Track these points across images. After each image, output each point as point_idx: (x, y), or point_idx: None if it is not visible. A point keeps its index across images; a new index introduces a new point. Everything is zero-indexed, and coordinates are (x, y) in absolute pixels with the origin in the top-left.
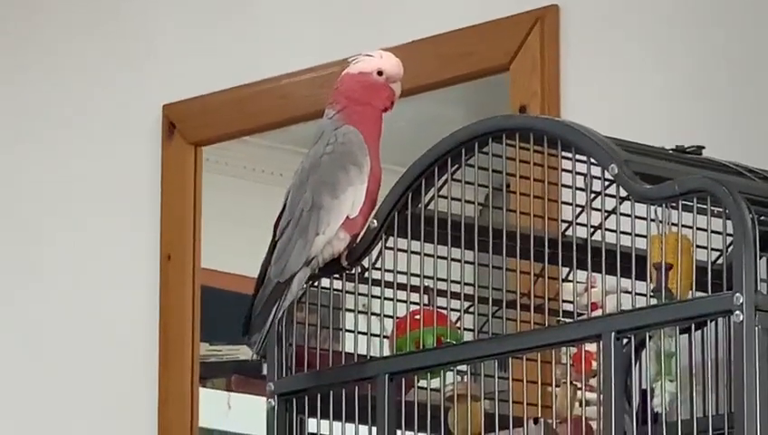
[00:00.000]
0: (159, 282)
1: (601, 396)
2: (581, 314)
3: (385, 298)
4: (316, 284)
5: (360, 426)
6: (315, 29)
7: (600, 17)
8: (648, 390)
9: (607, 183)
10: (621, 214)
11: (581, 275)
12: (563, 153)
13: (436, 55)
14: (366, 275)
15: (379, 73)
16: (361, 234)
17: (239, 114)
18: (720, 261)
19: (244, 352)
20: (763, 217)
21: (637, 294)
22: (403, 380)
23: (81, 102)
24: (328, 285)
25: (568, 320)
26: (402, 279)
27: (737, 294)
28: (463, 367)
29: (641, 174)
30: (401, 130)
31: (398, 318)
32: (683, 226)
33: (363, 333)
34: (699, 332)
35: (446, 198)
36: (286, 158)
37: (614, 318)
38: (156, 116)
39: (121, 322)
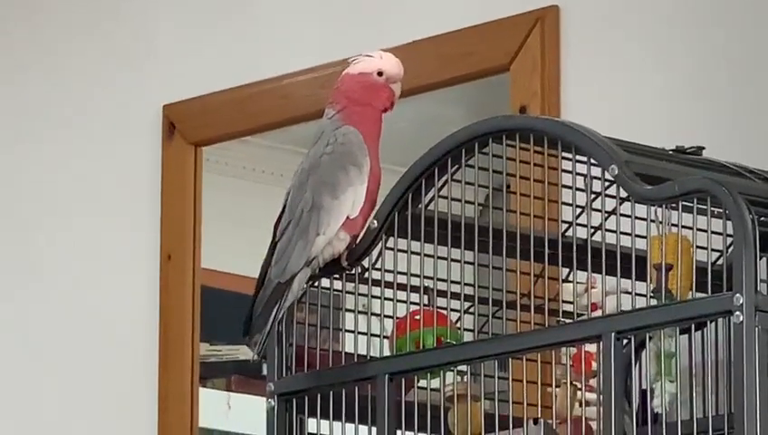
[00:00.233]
0: (159, 282)
1: (601, 396)
2: (581, 315)
3: (385, 298)
4: (316, 284)
5: (360, 426)
6: (315, 29)
7: (600, 17)
8: (648, 390)
9: (607, 184)
10: (621, 214)
11: (581, 275)
12: (563, 154)
13: (437, 55)
14: (366, 275)
15: (380, 74)
16: (361, 234)
17: (239, 114)
18: (720, 262)
19: (244, 352)
20: (763, 218)
21: (637, 294)
22: (403, 380)
23: (81, 102)
24: (328, 286)
25: (568, 320)
26: (402, 279)
27: (737, 295)
28: (463, 367)
29: (641, 175)
30: (401, 130)
31: (398, 318)
32: (683, 226)
33: (363, 334)
34: (699, 332)
35: (446, 198)
36: (286, 158)
37: (614, 319)
38: (156, 116)
39: (121, 322)
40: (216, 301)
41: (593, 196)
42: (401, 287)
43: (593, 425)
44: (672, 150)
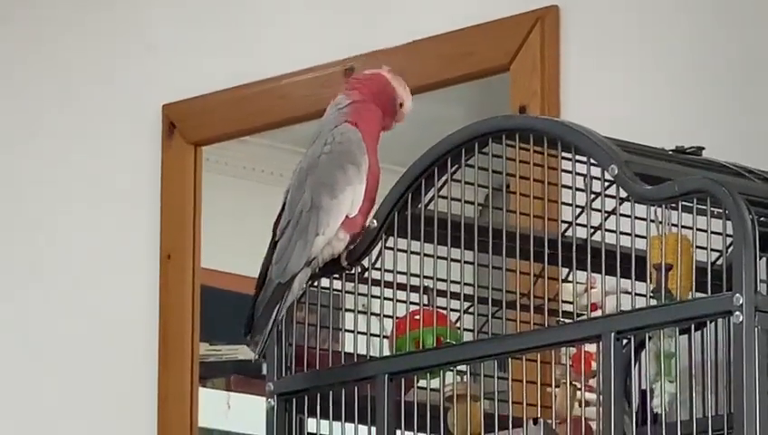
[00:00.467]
0: (159, 282)
1: (601, 396)
2: (581, 315)
3: (385, 298)
4: (316, 284)
5: (360, 426)
6: (315, 29)
7: (600, 17)
8: (648, 390)
9: (607, 184)
10: (621, 214)
11: (581, 275)
12: (563, 154)
13: (437, 55)
14: (366, 275)
15: (400, 103)
16: (363, 230)
17: (239, 114)
18: (720, 262)
19: (243, 352)
20: (762, 218)
21: (636, 294)
22: (403, 380)
23: (81, 102)
24: (328, 285)
25: (567, 320)
26: (402, 279)
27: (737, 295)
28: (463, 367)
29: (641, 175)
30: (401, 130)
31: (397, 318)
32: (683, 226)
33: (363, 333)
34: (699, 332)
35: (445, 198)
36: (286, 158)
37: (614, 319)
38: (156, 116)
39: (121, 322)
40: (216, 301)
41: (593, 196)
42: (401, 287)
43: (593, 425)
44: (672, 150)
